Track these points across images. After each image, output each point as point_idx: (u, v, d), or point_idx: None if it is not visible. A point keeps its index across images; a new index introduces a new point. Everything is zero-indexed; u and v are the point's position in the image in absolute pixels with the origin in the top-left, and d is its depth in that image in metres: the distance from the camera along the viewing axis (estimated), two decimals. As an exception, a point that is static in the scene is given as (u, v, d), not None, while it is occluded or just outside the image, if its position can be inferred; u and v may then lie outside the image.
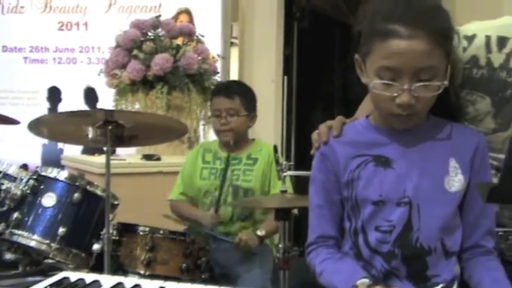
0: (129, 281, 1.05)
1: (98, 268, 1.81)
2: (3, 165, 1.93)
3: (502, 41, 1.20)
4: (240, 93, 2.36)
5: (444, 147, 1.13)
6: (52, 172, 1.86)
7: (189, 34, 3.50)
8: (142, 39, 3.35)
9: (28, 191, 1.81)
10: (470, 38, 1.21)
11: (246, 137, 2.42)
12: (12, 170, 1.89)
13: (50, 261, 2.00)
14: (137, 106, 3.39)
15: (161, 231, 1.93)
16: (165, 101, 3.26)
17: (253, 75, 4.37)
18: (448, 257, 1.12)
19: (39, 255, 1.89)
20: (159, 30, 3.41)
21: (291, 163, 1.87)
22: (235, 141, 2.34)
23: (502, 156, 1.20)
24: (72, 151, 4.86)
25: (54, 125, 1.81)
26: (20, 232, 1.78)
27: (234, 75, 4.48)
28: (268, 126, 4.00)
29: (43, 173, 1.85)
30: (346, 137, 1.17)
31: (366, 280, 1.04)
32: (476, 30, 1.22)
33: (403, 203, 1.10)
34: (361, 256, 1.14)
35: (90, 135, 1.81)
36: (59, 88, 5.05)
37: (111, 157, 3.63)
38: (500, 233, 1.19)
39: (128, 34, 3.34)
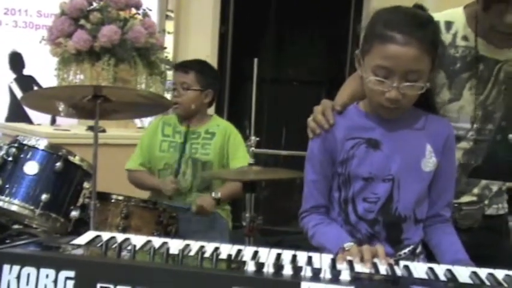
0: (156, 240, 1.20)
1: (75, 234, 1.90)
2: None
3: (448, 25, 1.47)
4: (196, 69, 2.49)
5: (421, 134, 1.36)
6: (30, 140, 1.90)
7: (136, 7, 3.52)
8: (89, 8, 3.33)
9: (10, 159, 1.85)
10: None
11: (204, 112, 2.55)
12: (-15, 138, 1.90)
13: (17, 226, 2.05)
14: (81, 77, 3.39)
15: (133, 200, 2.04)
16: (111, 73, 3.29)
17: (188, 50, 4.44)
18: (417, 223, 1.36)
19: (14, 221, 1.94)
20: (106, 1, 3.40)
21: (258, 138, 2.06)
22: (188, 115, 2.48)
23: (458, 124, 1.46)
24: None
25: (45, 100, 1.85)
26: (2, 197, 1.82)
27: (169, 49, 4.52)
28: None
29: (24, 142, 1.88)
30: (342, 122, 1.37)
31: (352, 243, 1.25)
32: None
33: (387, 179, 1.31)
34: (348, 221, 1.35)
35: (61, 110, 1.89)
36: (-19, 51, 4.79)
37: (54, 127, 3.62)
38: (455, 205, 1.46)
39: (74, 2, 3.29)
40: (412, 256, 1.35)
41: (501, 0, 1.26)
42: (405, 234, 1.34)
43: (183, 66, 2.54)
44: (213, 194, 2.31)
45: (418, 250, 1.38)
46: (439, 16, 1.42)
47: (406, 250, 1.35)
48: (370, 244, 1.32)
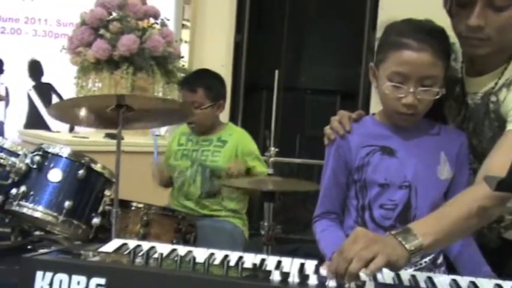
0: (181, 248, 1.22)
1: (96, 240, 1.94)
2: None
3: (451, 46, 1.43)
4: (203, 84, 2.47)
5: (436, 143, 1.38)
6: (54, 148, 1.94)
7: (154, 16, 3.58)
8: (108, 18, 3.39)
9: (34, 166, 1.89)
10: None
11: (217, 121, 2.58)
12: (8, 145, 1.94)
13: (38, 232, 2.09)
14: (100, 85, 3.44)
15: (153, 208, 2.07)
16: (130, 81, 3.34)
17: (203, 59, 4.48)
18: None
19: (36, 227, 1.98)
20: (125, 11, 3.45)
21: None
22: (204, 130, 2.51)
23: None
24: (15, 125, 4.76)
25: (69, 110, 1.90)
26: (26, 204, 1.86)
27: (184, 58, 4.55)
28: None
29: (48, 150, 1.92)
30: (357, 130, 1.39)
31: None
32: None
33: (404, 186, 1.33)
34: (366, 229, 1.33)
35: (83, 119, 1.94)
36: (1, 59, 4.90)
37: (72, 134, 3.68)
38: None
39: (94, 13, 3.36)
40: (433, 266, 1.36)
41: (464, 5, 1.26)
42: None
43: (189, 85, 2.51)
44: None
45: (439, 261, 1.38)
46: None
47: (426, 259, 1.34)
48: None
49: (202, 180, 2.45)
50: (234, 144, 2.49)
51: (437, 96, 1.30)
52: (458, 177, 1.38)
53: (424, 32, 1.28)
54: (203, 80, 2.52)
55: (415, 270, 1.30)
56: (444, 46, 1.31)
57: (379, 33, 1.38)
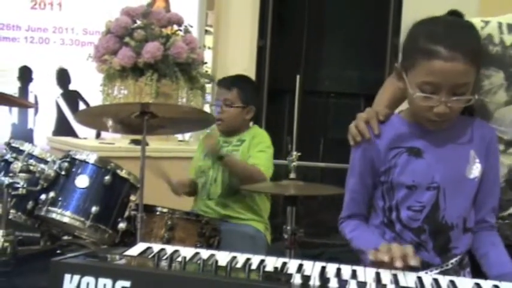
0: (204, 251, 1.24)
1: (121, 245, 1.98)
2: (24, 145, 2.03)
3: (510, 27, 1.43)
4: (239, 86, 2.53)
5: (465, 140, 1.35)
6: (81, 155, 2.00)
7: (178, 23, 3.64)
8: (133, 27, 3.45)
9: (62, 173, 1.94)
10: (487, 22, 1.44)
11: (245, 125, 2.59)
12: (37, 152, 2.00)
13: (67, 237, 2.14)
14: (125, 92, 3.51)
15: (177, 212, 2.10)
16: (154, 88, 3.40)
17: (226, 64, 4.51)
18: (466, 232, 1.33)
19: (64, 232, 2.03)
20: (149, 19, 3.51)
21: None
22: (230, 131, 2.53)
23: None
24: (44, 132, 4.87)
25: (95, 116, 1.95)
26: (54, 209, 1.91)
27: (208, 64, 4.60)
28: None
29: (76, 156, 1.98)
30: (384, 132, 1.35)
31: (386, 243, 1.24)
32: (490, 18, 1.45)
33: (432, 188, 1.31)
34: (393, 229, 1.34)
35: (109, 126, 1.98)
36: (30, 68, 5.02)
37: (99, 140, 3.75)
38: (506, 221, 1.44)
39: (119, 21, 3.42)
40: (459, 268, 1.34)
41: None
42: (453, 243, 1.33)
43: (226, 83, 2.58)
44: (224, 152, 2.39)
45: (465, 261, 1.36)
46: (502, 19, 1.40)
47: (453, 260, 1.33)
48: (417, 254, 1.31)
49: (222, 180, 2.48)
50: (249, 141, 2.50)
51: (469, 104, 1.26)
52: (486, 171, 1.35)
53: (455, 36, 1.22)
54: (240, 82, 2.59)
55: (441, 271, 1.30)
56: (476, 48, 1.26)
57: (404, 34, 1.33)
